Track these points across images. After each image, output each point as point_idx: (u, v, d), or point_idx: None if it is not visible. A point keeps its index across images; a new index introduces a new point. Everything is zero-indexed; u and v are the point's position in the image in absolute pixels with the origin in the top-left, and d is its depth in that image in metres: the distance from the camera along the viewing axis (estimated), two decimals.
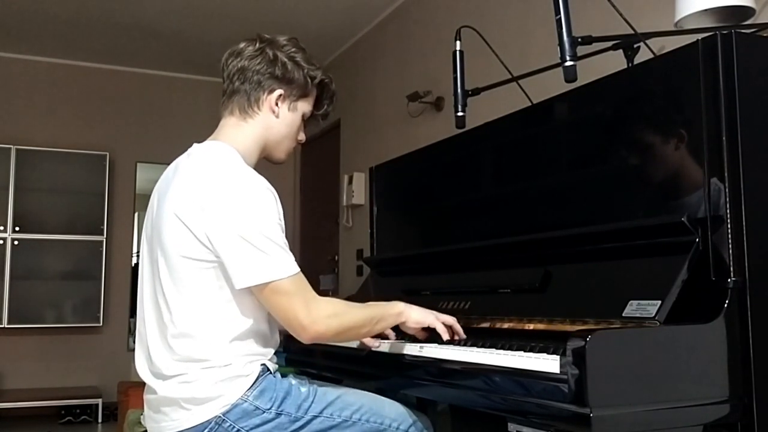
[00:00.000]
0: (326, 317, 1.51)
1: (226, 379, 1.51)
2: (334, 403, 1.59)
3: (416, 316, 1.67)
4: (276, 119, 1.68)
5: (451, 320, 1.71)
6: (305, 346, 1.85)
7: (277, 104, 1.67)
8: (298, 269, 1.50)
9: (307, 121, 1.75)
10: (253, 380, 1.53)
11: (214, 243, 1.49)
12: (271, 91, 1.66)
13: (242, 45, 1.68)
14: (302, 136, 1.76)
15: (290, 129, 1.71)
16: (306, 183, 6.19)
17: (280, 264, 1.48)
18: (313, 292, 1.52)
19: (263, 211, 1.50)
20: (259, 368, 1.56)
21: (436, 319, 1.69)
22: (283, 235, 1.52)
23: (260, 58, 1.65)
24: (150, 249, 1.64)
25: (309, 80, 1.69)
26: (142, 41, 5.34)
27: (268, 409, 1.52)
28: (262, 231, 1.48)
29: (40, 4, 4.66)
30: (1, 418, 5.27)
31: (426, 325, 1.70)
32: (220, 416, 1.50)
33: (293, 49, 1.68)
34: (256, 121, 1.67)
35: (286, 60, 1.66)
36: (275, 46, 1.67)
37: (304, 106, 1.72)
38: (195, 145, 1.67)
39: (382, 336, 1.82)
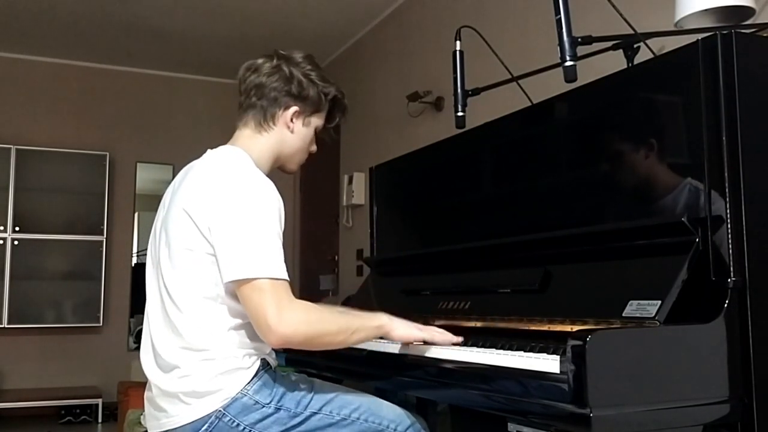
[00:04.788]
0: (296, 322, 1.48)
1: (226, 372, 1.52)
2: (333, 401, 1.60)
3: (400, 331, 1.65)
4: (291, 134, 1.73)
5: (438, 333, 1.69)
6: None
7: (292, 120, 1.72)
8: (285, 276, 1.50)
9: (319, 133, 1.80)
10: (253, 374, 1.54)
11: (213, 234, 1.52)
12: (287, 108, 1.71)
13: (260, 61, 1.73)
14: (314, 148, 1.82)
15: (303, 142, 1.77)
16: (306, 183, 6.19)
17: (268, 264, 1.48)
18: (291, 297, 1.50)
19: (265, 212, 1.52)
20: (259, 363, 1.57)
21: (422, 332, 1.67)
22: (280, 240, 1.53)
23: (277, 75, 1.70)
24: (156, 242, 1.67)
25: (323, 97, 1.74)
26: (142, 41, 5.34)
27: (268, 404, 1.53)
28: (260, 230, 1.50)
29: (40, 4, 4.66)
30: (1, 418, 5.27)
31: (412, 340, 1.68)
32: (220, 410, 1.50)
33: (309, 67, 1.73)
34: (271, 135, 1.72)
35: (301, 77, 1.71)
36: (291, 63, 1.72)
37: (317, 121, 1.77)
38: (208, 150, 1.72)
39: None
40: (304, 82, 1.71)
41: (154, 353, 1.60)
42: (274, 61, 1.71)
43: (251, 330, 1.56)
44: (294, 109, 1.71)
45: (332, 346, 1.58)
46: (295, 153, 1.77)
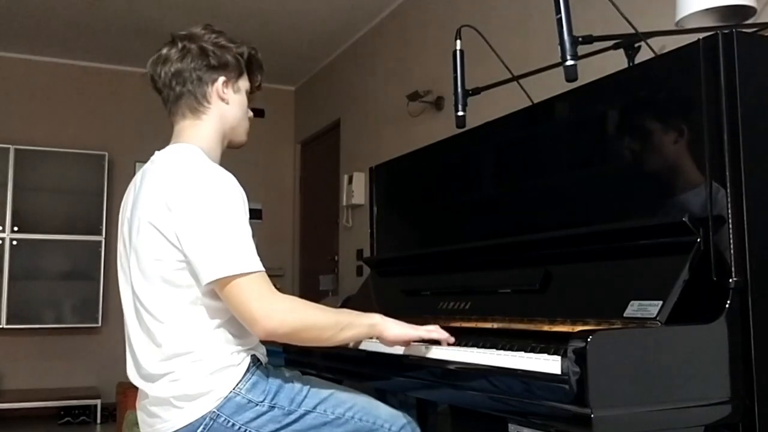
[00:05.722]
0: (281, 312, 1.48)
1: (216, 371, 1.51)
2: (328, 400, 1.59)
3: (394, 331, 1.63)
4: (227, 106, 1.71)
5: (432, 328, 1.68)
6: (305, 347, 1.84)
7: (224, 91, 1.70)
8: (262, 267, 1.50)
9: (250, 96, 1.78)
10: (244, 372, 1.53)
11: (181, 241, 1.50)
12: (214, 81, 1.69)
13: (164, 51, 1.69)
14: (250, 113, 1.79)
15: (242, 110, 1.75)
16: (306, 183, 6.19)
17: (242, 259, 1.47)
18: (273, 289, 1.50)
19: (228, 206, 1.51)
20: (248, 360, 1.56)
21: (416, 331, 1.65)
22: (250, 232, 1.52)
23: (189, 55, 1.67)
24: (126, 253, 1.65)
25: (239, 58, 1.72)
26: (142, 41, 5.33)
27: (261, 402, 1.52)
28: (227, 226, 1.48)
29: (40, 4, 4.66)
30: (1, 419, 5.27)
31: (407, 340, 1.66)
32: (214, 411, 1.49)
33: (213, 35, 1.71)
34: (210, 115, 1.69)
35: (212, 47, 1.68)
36: (195, 39, 1.69)
37: (244, 84, 1.75)
38: (156, 152, 1.69)
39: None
40: (217, 51, 1.68)
41: (136, 365, 1.59)
42: (179, 44, 1.68)
43: (235, 326, 1.55)
44: (221, 79, 1.69)
45: (321, 341, 1.56)
46: (238, 123, 1.74)
